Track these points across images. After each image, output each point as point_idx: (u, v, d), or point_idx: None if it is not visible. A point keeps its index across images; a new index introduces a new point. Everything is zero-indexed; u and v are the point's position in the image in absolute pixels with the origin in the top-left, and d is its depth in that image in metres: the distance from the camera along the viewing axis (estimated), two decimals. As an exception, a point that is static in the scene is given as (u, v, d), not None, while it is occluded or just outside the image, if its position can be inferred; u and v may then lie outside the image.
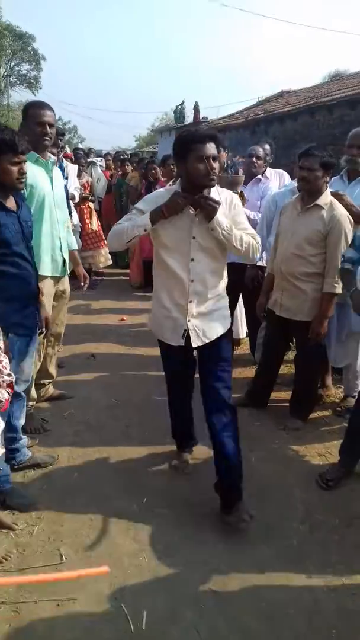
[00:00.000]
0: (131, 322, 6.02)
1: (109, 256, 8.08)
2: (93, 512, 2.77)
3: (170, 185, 2.98)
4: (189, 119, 22.97)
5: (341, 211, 3.32)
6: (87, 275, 4.13)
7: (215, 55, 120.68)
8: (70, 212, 5.00)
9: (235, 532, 2.64)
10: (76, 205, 6.94)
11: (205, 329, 2.76)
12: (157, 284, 2.86)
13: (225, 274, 2.86)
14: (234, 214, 2.70)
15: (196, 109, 21.53)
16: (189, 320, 2.73)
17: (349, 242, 3.25)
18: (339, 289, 3.34)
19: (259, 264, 4.23)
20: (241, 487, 2.74)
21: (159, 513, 2.78)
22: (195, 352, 2.91)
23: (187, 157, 2.50)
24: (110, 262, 8.09)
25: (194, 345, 2.76)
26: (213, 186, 2.60)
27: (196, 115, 21.12)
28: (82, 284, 4.07)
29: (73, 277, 7.53)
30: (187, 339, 2.75)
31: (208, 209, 2.54)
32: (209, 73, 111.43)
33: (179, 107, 25.60)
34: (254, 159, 4.48)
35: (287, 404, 3.85)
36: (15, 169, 2.52)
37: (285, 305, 3.55)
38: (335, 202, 3.37)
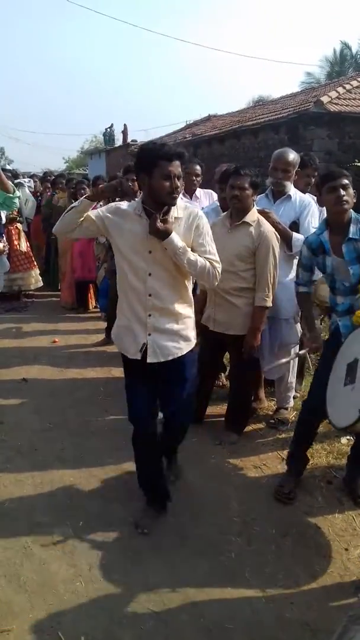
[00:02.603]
0: (64, 343, 5.91)
1: (40, 277, 7.97)
2: (26, 539, 2.67)
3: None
4: (119, 141, 23.15)
5: (268, 227, 3.44)
6: None
7: (143, 79, 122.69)
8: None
9: (174, 549, 2.63)
10: (4, 226, 6.80)
11: (162, 346, 2.67)
12: (120, 296, 2.78)
13: (189, 292, 2.79)
14: (195, 236, 2.64)
15: (125, 132, 21.76)
16: (148, 334, 2.66)
17: (278, 257, 3.37)
18: (269, 302, 3.44)
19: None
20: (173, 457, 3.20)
21: (96, 536, 2.72)
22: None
23: (152, 172, 2.45)
24: (40, 283, 7.97)
25: (149, 360, 2.66)
26: (174, 204, 2.56)
27: (125, 137, 21.33)
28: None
29: (3, 299, 7.39)
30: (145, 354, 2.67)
31: (153, 229, 2.48)
32: (138, 96, 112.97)
33: (109, 129, 25.76)
34: (193, 177, 4.54)
35: (223, 419, 3.89)
36: None
37: (218, 320, 3.61)
38: (262, 219, 3.48)
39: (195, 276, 2.73)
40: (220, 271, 2.73)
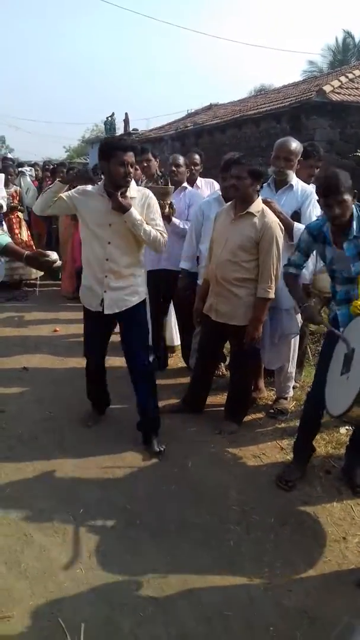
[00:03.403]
0: (65, 332, 5.93)
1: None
2: (27, 526, 2.70)
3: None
4: (120, 130, 23.03)
5: (272, 218, 3.42)
6: None
7: (145, 68, 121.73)
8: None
9: (173, 537, 2.65)
10: (5, 215, 6.80)
11: (117, 300, 3.33)
12: (83, 259, 3.42)
13: (140, 257, 3.44)
14: (147, 212, 3.29)
15: (126, 121, 21.64)
16: (105, 292, 3.31)
17: (281, 248, 3.36)
18: (272, 294, 3.43)
19: (192, 270, 4.29)
20: (156, 429, 3.52)
21: (96, 524, 2.74)
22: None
23: (109, 160, 3.07)
24: (41, 272, 7.95)
25: (106, 312, 3.33)
26: (128, 186, 3.18)
27: (126, 126, 21.21)
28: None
29: (4, 288, 7.39)
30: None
31: (116, 205, 3.11)
32: (139, 84, 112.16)
33: (110, 118, 25.57)
34: (174, 167, 4.52)
35: (222, 408, 3.90)
36: None
37: (220, 311, 3.61)
38: (267, 209, 3.45)
39: (147, 244, 3.31)
40: (166, 240, 3.38)
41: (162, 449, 3.42)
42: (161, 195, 4.09)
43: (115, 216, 3.17)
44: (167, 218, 4.24)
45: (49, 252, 2.70)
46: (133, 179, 3.26)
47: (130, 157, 3.07)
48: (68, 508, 2.85)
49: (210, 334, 3.81)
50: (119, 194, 3.11)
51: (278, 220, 3.45)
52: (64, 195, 3.27)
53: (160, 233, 3.30)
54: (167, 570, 2.44)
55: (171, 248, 4.35)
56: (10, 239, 2.84)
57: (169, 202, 4.22)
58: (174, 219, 4.30)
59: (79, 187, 3.36)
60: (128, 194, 3.20)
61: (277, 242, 3.39)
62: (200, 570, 2.45)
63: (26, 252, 2.73)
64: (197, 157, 5.10)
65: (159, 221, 3.36)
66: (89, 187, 3.33)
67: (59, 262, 2.80)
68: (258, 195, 3.48)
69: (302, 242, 3.05)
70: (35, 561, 2.47)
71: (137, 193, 3.28)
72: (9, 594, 2.27)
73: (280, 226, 3.44)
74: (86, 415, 3.82)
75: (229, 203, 3.65)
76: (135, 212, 3.16)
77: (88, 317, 3.55)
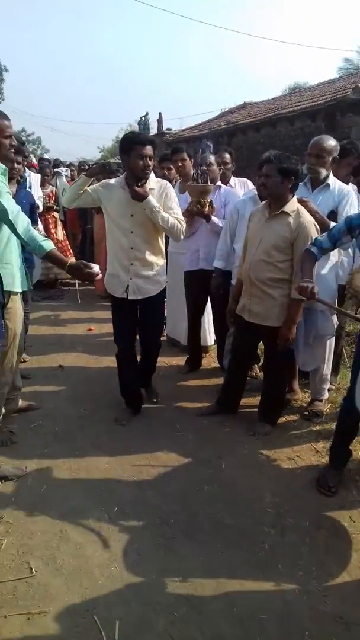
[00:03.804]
0: (99, 331, 5.98)
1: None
2: (63, 523, 2.73)
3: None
4: (153, 130, 23.07)
5: (307, 218, 3.38)
6: None
7: (179, 67, 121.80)
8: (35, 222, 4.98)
9: (207, 537, 2.65)
10: (41, 215, 6.89)
11: (141, 287, 3.59)
12: (109, 249, 3.64)
13: (162, 247, 3.69)
14: (165, 201, 3.52)
15: (160, 120, 21.66)
16: (130, 279, 3.56)
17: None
18: None
19: (226, 269, 4.28)
20: (148, 382, 4.14)
21: (130, 522, 2.76)
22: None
23: (129, 154, 3.31)
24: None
25: (130, 298, 3.58)
26: (147, 178, 3.41)
27: (160, 126, 21.24)
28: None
29: (40, 287, 7.49)
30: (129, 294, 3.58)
31: (133, 195, 3.34)
32: (173, 85, 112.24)
33: (143, 118, 25.67)
34: (204, 167, 4.50)
35: (256, 410, 3.88)
36: None
37: (254, 311, 3.58)
38: (302, 209, 3.41)
39: (166, 231, 3.54)
40: (184, 229, 3.64)
41: (156, 398, 4.09)
42: (200, 194, 4.09)
43: (136, 207, 3.40)
44: (206, 217, 4.24)
45: (92, 265, 2.76)
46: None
47: (148, 150, 3.29)
48: (103, 506, 2.88)
49: (243, 335, 3.78)
50: (137, 185, 3.35)
51: (313, 220, 3.41)
52: (89, 188, 3.50)
53: (178, 220, 3.54)
54: (201, 571, 2.44)
55: (208, 248, 4.35)
56: (53, 245, 2.89)
57: (208, 200, 4.22)
58: (213, 218, 4.29)
59: (102, 180, 3.62)
60: (147, 185, 3.43)
61: None
62: (234, 572, 2.44)
63: (70, 260, 2.80)
64: (227, 156, 5.08)
65: (177, 210, 3.60)
66: (112, 180, 3.58)
67: (99, 276, 2.85)
68: (292, 195, 3.44)
69: (336, 230, 2.99)
70: (71, 558, 2.50)
71: (155, 184, 3.52)
72: (45, 589, 2.30)
73: (315, 226, 3.40)
74: (120, 414, 3.88)
75: (264, 202, 3.62)
76: (152, 199, 3.38)
77: (115, 307, 3.75)
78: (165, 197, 3.53)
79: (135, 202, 3.37)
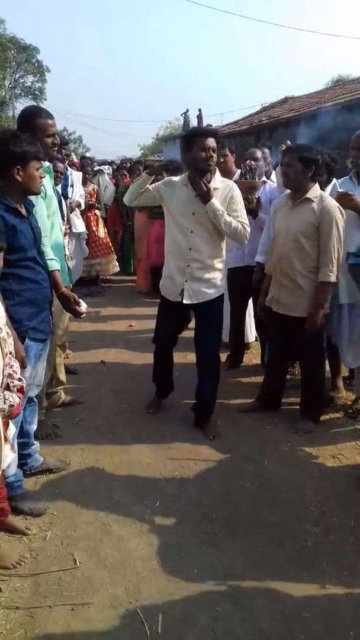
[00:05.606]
0: (139, 328, 6.02)
1: (117, 263, 8.12)
2: (106, 516, 2.76)
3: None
4: (194, 126, 23.04)
5: (331, 202, 3.35)
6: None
7: (219, 63, 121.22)
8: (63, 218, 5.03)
9: (249, 534, 2.63)
10: (82, 212, 6.97)
11: (197, 291, 3.41)
12: (166, 250, 3.53)
13: (222, 250, 3.48)
14: (230, 204, 3.35)
15: (199, 117, 21.60)
16: (185, 281, 3.40)
17: (342, 232, 3.29)
18: (333, 277, 3.35)
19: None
20: (209, 414, 3.65)
21: (172, 517, 2.77)
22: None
23: (192, 148, 3.19)
24: (117, 269, 8.14)
25: (185, 302, 3.42)
26: (210, 171, 3.26)
27: (199, 122, 21.17)
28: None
29: (82, 283, 7.59)
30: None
31: (200, 191, 3.22)
32: (213, 81, 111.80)
33: (184, 115, 25.67)
34: (252, 162, 4.45)
35: (298, 407, 3.83)
36: (38, 174, 2.55)
37: (281, 301, 3.55)
38: (326, 194, 3.41)
39: (229, 235, 3.36)
40: (249, 233, 3.42)
41: (214, 437, 3.53)
42: (248, 190, 4.06)
43: (198, 205, 3.28)
44: (254, 213, 4.20)
45: (82, 303, 2.87)
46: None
47: (211, 141, 3.18)
48: (145, 499, 2.89)
49: (274, 327, 3.74)
50: (203, 180, 3.22)
51: (337, 204, 3.36)
52: (150, 186, 3.44)
53: (242, 225, 3.36)
54: (243, 567, 2.42)
55: (254, 244, 4.31)
56: (59, 266, 2.99)
57: (256, 196, 4.18)
58: (260, 214, 4.26)
59: (165, 178, 3.58)
60: (212, 184, 3.28)
61: (337, 225, 3.31)
62: (277, 569, 2.41)
63: (63, 289, 2.92)
64: (266, 151, 5.02)
65: (242, 213, 3.41)
66: (174, 178, 3.48)
67: (84, 315, 2.94)
68: (315, 183, 3.42)
69: None
70: (114, 550, 2.52)
71: (220, 184, 3.36)
72: (89, 581, 2.33)
73: (341, 210, 3.35)
74: (149, 403, 3.94)
75: (286, 193, 3.59)
76: (216, 202, 3.24)
77: (165, 307, 3.64)
78: (230, 199, 3.36)
79: (197, 200, 3.27)
